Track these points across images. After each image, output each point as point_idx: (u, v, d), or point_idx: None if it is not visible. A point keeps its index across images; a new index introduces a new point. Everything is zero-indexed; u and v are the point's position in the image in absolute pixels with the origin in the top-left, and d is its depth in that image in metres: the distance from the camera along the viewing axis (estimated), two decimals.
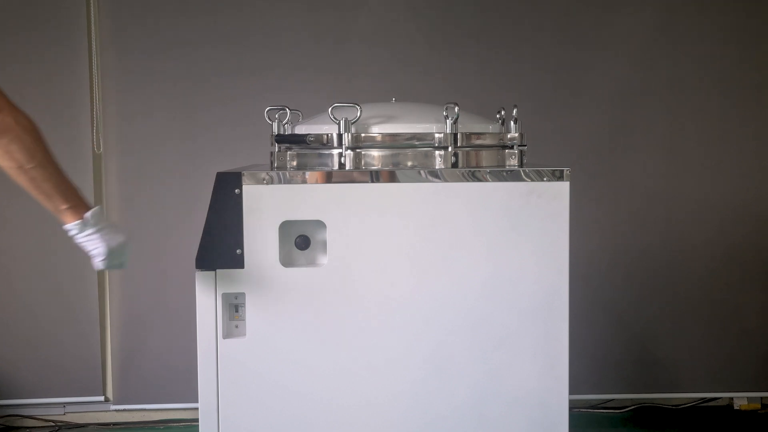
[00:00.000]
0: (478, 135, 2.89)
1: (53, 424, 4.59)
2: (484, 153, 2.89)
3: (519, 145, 2.94)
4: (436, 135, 2.83)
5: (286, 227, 2.72)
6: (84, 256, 4.53)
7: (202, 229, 2.71)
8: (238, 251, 2.70)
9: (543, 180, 2.73)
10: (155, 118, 4.49)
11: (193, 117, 4.49)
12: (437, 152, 2.83)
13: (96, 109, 4.50)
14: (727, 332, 4.66)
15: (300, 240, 2.75)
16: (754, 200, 4.62)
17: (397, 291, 2.74)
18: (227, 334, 2.74)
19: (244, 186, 2.69)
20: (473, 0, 4.53)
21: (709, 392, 4.71)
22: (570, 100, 4.55)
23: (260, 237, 2.70)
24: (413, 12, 4.52)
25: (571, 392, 2.78)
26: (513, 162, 2.92)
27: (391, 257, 2.73)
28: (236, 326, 2.76)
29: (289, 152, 2.92)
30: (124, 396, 4.59)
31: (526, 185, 2.73)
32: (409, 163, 2.83)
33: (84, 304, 4.54)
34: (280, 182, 2.71)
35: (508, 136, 2.94)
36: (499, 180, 2.74)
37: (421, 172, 2.73)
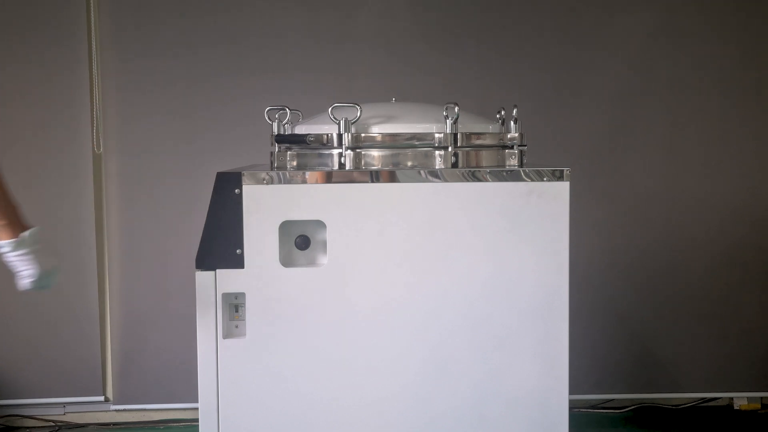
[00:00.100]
0: (478, 135, 2.89)
1: (53, 424, 4.59)
2: (484, 153, 2.89)
3: (519, 145, 2.94)
4: (436, 135, 2.83)
5: (286, 227, 2.72)
6: (84, 256, 4.56)
7: (202, 229, 2.71)
8: (238, 251, 2.70)
9: (543, 180, 2.73)
10: (155, 118, 4.49)
11: (193, 117, 4.49)
12: (437, 152, 2.83)
13: (96, 110, 4.50)
14: (727, 332, 4.66)
15: (300, 240, 2.75)
16: (754, 200, 4.62)
17: (397, 291, 2.74)
18: (227, 334, 2.74)
19: (244, 186, 2.69)
20: (473, 0, 4.53)
21: (709, 392, 4.71)
22: (570, 100, 4.55)
23: (260, 237, 2.70)
24: (413, 12, 4.52)
25: (571, 392, 2.78)
26: (513, 162, 2.92)
27: (391, 257, 2.73)
28: (236, 326, 2.76)
29: (289, 152, 2.92)
30: (124, 396, 4.59)
31: (526, 185, 2.73)
32: (409, 163, 2.83)
33: (84, 304, 4.54)
34: (280, 182, 2.71)
35: (508, 136, 2.95)
36: (499, 180, 2.74)
37: (421, 172, 2.73)
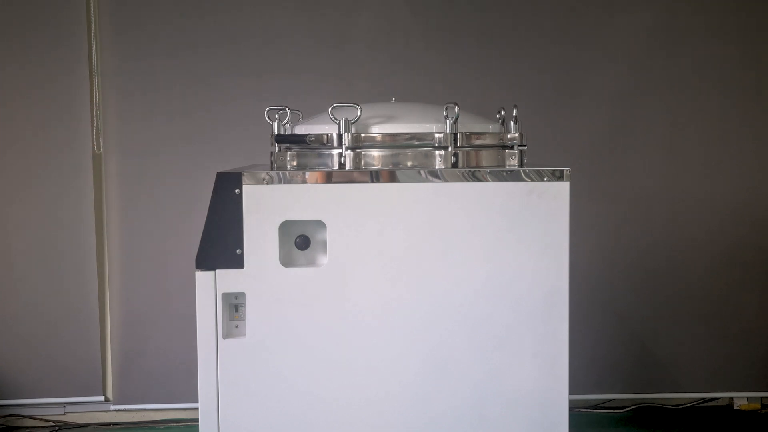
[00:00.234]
0: (478, 135, 2.89)
1: (53, 424, 4.59)
2: (484, 153, 2.89)
3: (519, 145, 2.94)
4: (436, 135, 2.83)
5: (286, 227, 2.72)
6: (84, 256, 4.56)
7: (202, 229, 2.71)
8: (238, 251, 2.70)
9: (543, 180, 2.73)
10: (155, 118, 4.49)
11: (193, 117, 4.49)
12: (437, 152, 2.83)
13: (96, 110, 4.50)
14: (727, 332, 4.66)
15: (300, 240, 2.75)
16: (754, 200, 4.62)
17: (397, 291, 2.74)
18: (227, 334, 2.74)
19: (244, 186, 2.69)
20: (473, 0, 4.53)
21: (709, 392, 4.71)
22: (570, 100, 4.55)
23: (260, 237, 2.70)
24: (413, 12, 4.52)
25: (570, 392, 2.78)
26: (513, 162, 2.92)
27: (391, 257, 2.73)
28: (236, 326, 2.76)
29: (289, 152, 2.92)
30: (124, 396, 4.59)
31: (526, 185, 2.73)
32: (409, 163, 2.83)
33: (84, 304, 4.54)
34: (280, 182, 2.71)
35: (508, 136, 2.94)
36: (499, 180, 2.74)
37: (421, 172, 2.73)
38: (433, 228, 2.73)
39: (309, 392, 2.75)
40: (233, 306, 2.76)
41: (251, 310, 2.72)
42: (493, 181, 2.74)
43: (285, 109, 2.98)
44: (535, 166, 2.86)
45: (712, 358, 4.66)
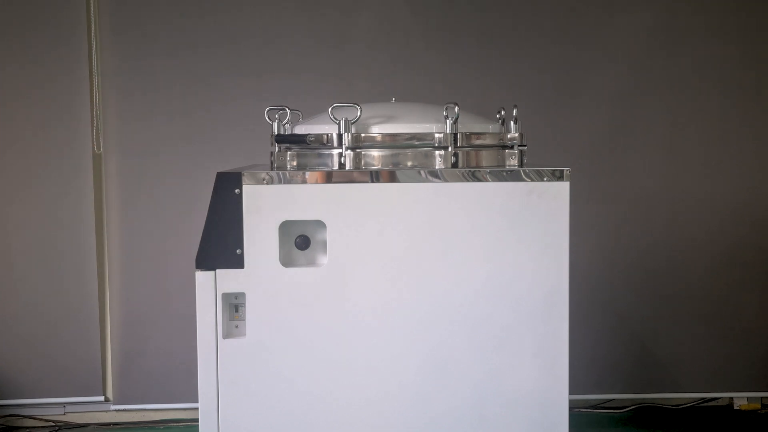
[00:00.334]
0: (478, 135, 2.89)
1: (53, 424, 4.58)
2: (484, 153, 2.89)
3: (519, 145, 2.94)
4: (436, 135, 2.83)
5: (286, 227, 2.72)
6: (84, 256, 4.56)
7: (202, 229, 2.71)
8: (238, 251, 2.70)
9: (543, 180, 2.73)
10: (155, 118, 4.49)
11: (193, 117, 4.49)
12: (437, 152, 2.83)
13: (96, 109, 4.50)
14: (727, 332, 4.66)
15: (300, 240, 2.75)
16: (754, 200, 4.62)
17: (397, 291, 2.74)
18: (227, 334, 2.74)
19: (244, 186, 2.69)
20: (473, 0, 4.53)
21: (709, 392, 4.71)
22: (570, 100, 4.55)
23: (260, 237, 2.70)
24: (413, 12, 4.52)
25: (570, 392, 2.77)
26: (513, 162, 2.92)
27: (391, 257, 2.73)
28: (236, 326, 2.76)
29: (289, 152, 2.92)
30: (124, 396, 4.59)
31: (526, 185, 2.73)
32: (409, 163, 2.83)
33: (84, 304, 4.54)
34: (280, 182, 2.71)
35: (508, 136, 2.94)
36: (499, 180, 2.74)
37: (421, 172, 2.73)
38: (433, 228, 2.73)
39: (309, 392, 2.75)
40: (233, 306, 2.76)
41: (251, 310, 2.72)
42: (493, 181, 2.74)
43: (285, 109, 2.98)
44: (535, 166, 2.86)
45: (712, 358, 4.66)
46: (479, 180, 2.73)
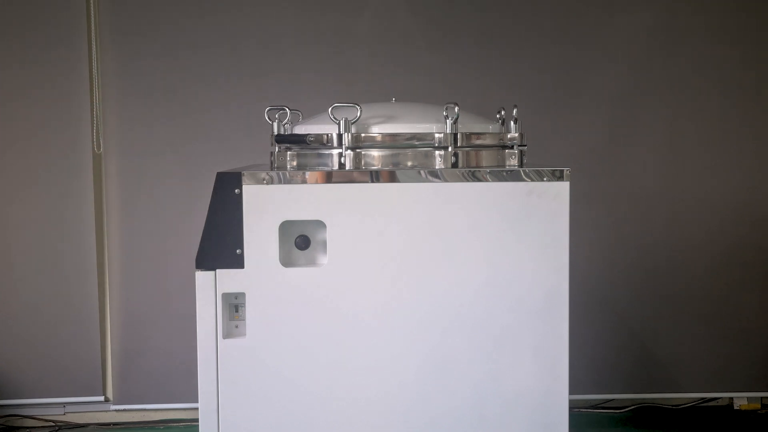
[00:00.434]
0: (478, 135, 2.89)
1: (53, 424, 4.58)
2: (484, 153, 2.89)
3: (519, 145, 2.94)
4: (436, 135, 2.83)
5: (286, 227, 2.72)
6: (84, 256, 4.56)
7: (202, 229, 2.71)
8: (238, 251, 2.70)
9: (543, 180, 2.73)
10: (156, 118, 4.49)
11: (193, 117, 4.49)
12: (437, 152, 2.83)
13: (96, 109, 4.50)
14: (728, 332, 4.66)
15: (300, 240, 2.75)
16: (754, 200, 4.62)
17: (396, 291, 2.74)
18: (227, 334, 2.74)
19: (244, 186, 2.69)
20: (473, 0, 4.53)
21: (709, 392, 4.71)
22: (570, 100, 4.55)
23: (260, 237, 2.70)
24: (413, 12, 4.52)
25: (570, 392, 2.77)
26: (513, 162, 2.92)
27: (391, 257, 2.72)
28: (236, 326, 2.76)
29: (289, 152, 2.92)
30: (124, 396, 4.59)
31: (526, 185, 2.73)
32: (409, 163, 2.83)
33: (84, 304, 4.54)
34: (280, 182, 2.71)
35: (508, 136, 2.94)
36: (499, 180, 2.74)
37: (421, 172, 2.73)
38: (433, 228, 2.73)
39: (309, 392, 2.75)
40: (233, 306, 2.76)
41: (251, 310, 2.72)
42: (493, 181, 2.74)
43: (285, 109, 2.98)
44: (535, 166, 2.86)
45: (712, 358, 4.66)
46: (479, 180, 2.73)
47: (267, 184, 2.70)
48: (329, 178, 2.73)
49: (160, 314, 4.52)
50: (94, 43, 4.47)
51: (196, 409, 2.77)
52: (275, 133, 2.95)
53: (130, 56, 4.47)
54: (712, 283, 4.64)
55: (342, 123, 2.78)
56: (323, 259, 2.75)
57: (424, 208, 2.72)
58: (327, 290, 2.73)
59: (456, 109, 2.80)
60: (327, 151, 2.84)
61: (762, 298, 4.66)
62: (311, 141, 2.84)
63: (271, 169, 2.84)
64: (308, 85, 4.44)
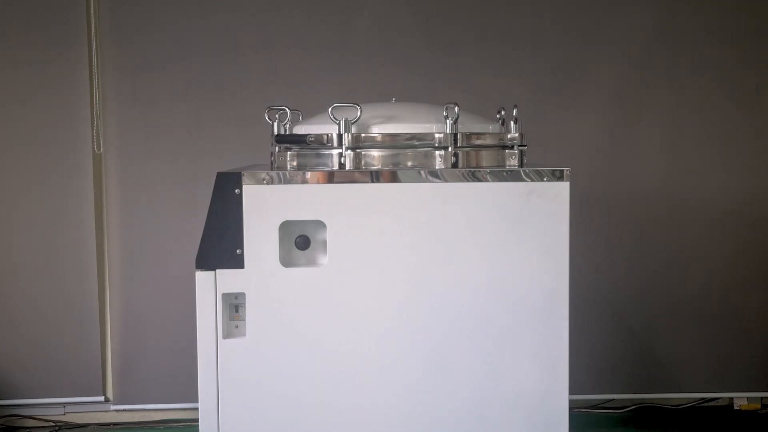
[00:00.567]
0: (478, 135, 2.89)
1: (53, 424, 4.58)
2: (484, 153, 2.89)
3: (519, 145, 2.94)
4: (437, 135, 2.83)
5: (286, 227, 2.72)
6: (84, 256, 4.56)
7: (202, 229, 2.71)
8: (238, 251, 2.70)
9: (543, 180, 2.73)
10: (156, 118, 4.48)
11: (193, 117, 4.49)
12: (437, 152, 2.83)
13: (96, 109, 4.49)
14: (728, 332, 4.66)
15: (300, 240, 2.75)
16: (754, 200, 4.62)
17: (397, 291, 2.74)
18: (227, 335, 2.74)
19: (244, 186, 2.69)
20: (473, 0, 4.53)
21: (709, 392, 4.70)
22: (570, 99, 4.54)
23: (260, 237, 2.70)
24: (413, 11, 4.51)
25: (570, 392, 2.78)
26: (513, 162, 2.92)
27: (391, 257, 2.73)
28: (236, 326, 2.76)
29: (289, 152, 2.93)
30: (124, 396, 4.59)
31: (526, 185, 2.73)
32: (409, 163, 2.83)
33: (84, 304, 4.54)
34: (280, 182, 2.71)
35: (508, 136, 2.95)
36: (499, 180, 2.74)
37: (421, 172, 2.73)
38: (433, 228, 2.73)
39: (309, 393, 2.75)
40: (233, 306, 2.76)
41: (251, 310, 2.72)
42: (493, 181, 2.74)
43: (285, 109, 2.98)
44: (535, 166, 2.86)
45: (712, 358, 4.66)
46: (479, 180, 2.74)
47: (267, 184, 2.70)
48: (329, 178, 2.73)
49: (161, 314, 4.51)
50: (94, 42, 4.47)
51: (197, 409, 2.77)
52: (275, 133, 2.95)
53: (130, 56, 4.47)
54: (712, 282, 4.64)
55: (342, 123, 2.78)
56: (323, 260, 2.75)
57: (424, 208, 2.72)
58: (327, 290, 2.73)
59: (456, 109, 2.80)
60: (327, 151, 2.84)
61: (762, 298, 4.66)
62: (311, 141, 2.84)
63: (272, 169, 2.84)
64: (308, 84, 4.44)
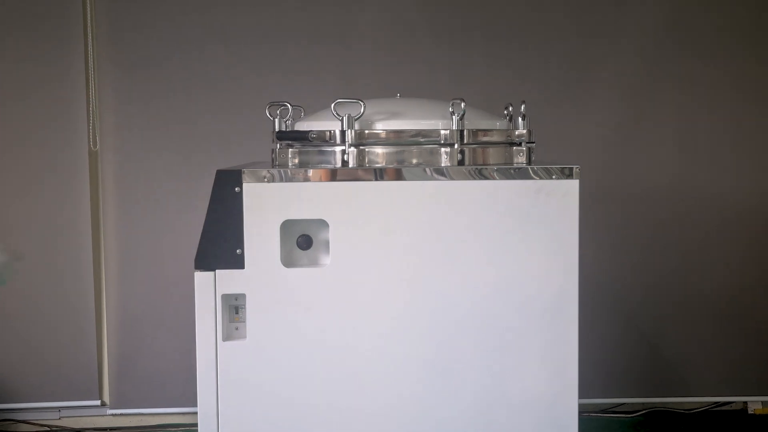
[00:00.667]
0: (485, 132, 2.89)
1: (48, 428, 4.59)
2: (491, 150, 2.89)
3: (527, 142, 2.94)
4: (442, 132, 2.83)
5: (287, 226, 2.72)
6: (80, 256, 4.56)
7: (201, 229, 2.71)
8: (238, 251, 2.70)
9: (552, 178, 2.73)
10: (153, 114, 4.48)
11: (192, 113, 4.49)
12: (443, 149, 2.83)
13: (92, 105, 4.50)
14: (741, 334, 4.65)
15: (302, 240, 2.75)
16: None
17: (401, 292, 2.74)
18: (227, 337, 2.74)
19: (244, 184, 2.69)
20: None
21: (723, 396, 4.70)
22: (579, 95, 4.54)
23: (261, 236, 2.70)
24: (418, 5, 4.51)
25: (580, 396, 2.77)
26: (521, 159, 2.92)
27: (396, 257, 2.73)
28: (236, 328, 2.76)
29: (290, 149, 2.92)
30: (121, 400, 4.59)
31: (535, 183, 2.73)
32: (414, 161, 2.83)
33: (80, 305, 4.54)
34: (281, 180, 2.71)
35: (516, 132, 2.94)
36: (507, 178, 2.74)
37: (427, 170, 2.73)
38: (438, 227, 2.73)
39: (311, 396, 2.75)
40: (233, 307, 2.76)
41: (252, 311, 2.72)
42: (501, 179, 2.74)
43: (286, 105, 2.98)
44: (544, 163, 2.86)
45: (725, 360, 4.66)
46: (486, 178, 2.73)
47: (268, 182, 2.70)
48: (332, 176, 2.73)
49: (158, 316, 4.51)
50: (90, 36, 4.47)
51: (195, 413, 2.77)
52: (276, 129, 2.95)
53: (127, 51, 4.47)
54: (725, 283, 4.64)
55: (345, 119, 2.78)
56: (326, 260, 2.75)
57: (430, 206, 2.72)
58: (329, 291, 2.73)
59: (462, 105, 2.80)
60: (330, 149, 2.84)
61: None
62: (313, 138, 2.84)
63: (273, 167, 2.84)
64: (310, 80, 4.43)
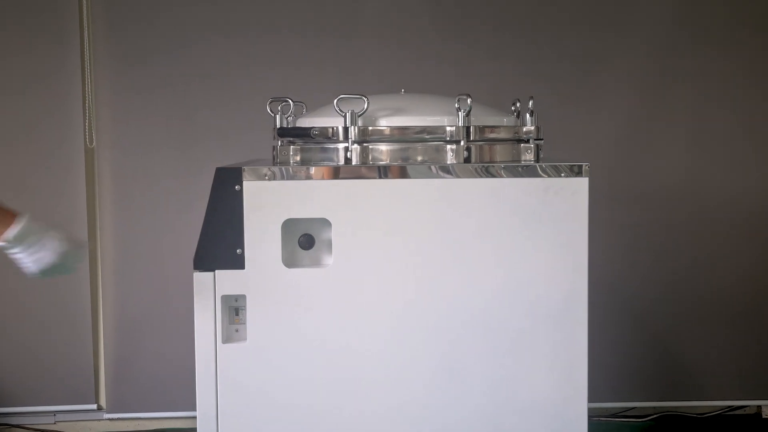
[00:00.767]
0: (492, 128, 2.89)
1: None
2: (498, 147, 2.89)
3: (535, 139, 2.94)
4: (448, 128, 2.83)
5: (289, 226, 2.72)
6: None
7: (200, 228, 2.71)
8: (238, 251, 2.70)
9: (560, 176, 2.73)
10: (151, 111, 4.49)
11: (191, 110, 4.49)
12: (449, 146, 2.83)
13: (88, 101, 4.50)
14: (755, 336, 4.65)
15: (304, 239, 2.75)
16: None
17: (405, 293, 2.74)
18: (227, 339, 2.75)
19: (244, 182, 2.70)
20: None
21: (736, 400, 4.70)
22: (589, 91, 4.54)
23: (262, 236, 2.70)
24: None
25: (589, 400, 2.77)
26: (529, 157, 2.92)
27: (400, 257, 2.73)
28: (236, 330, 2.76)
29: (292, 146, 2.93)
30: (117, 404, 4.60)
31: (543, 181, 2.73)
32: (419, 158, 2.83)
33: (76, 307, 4.55)
34: (282, 178, 2.71)
35: (524, 129, 2.94)
36: (514, 176, 2.74)
37: (432, 167, 2.73)
38: (444, 226, 2.73)
39: (312, 399, 2.75)
40: (233, 309, 2.76)
41: (252, 313, 2.72)
42: (508, 176, 2.74)
43: (288, 101, 2.98)
44: (552, 161, 2.86)
45: (739, 363, 4.65)
46: (493, 176, 2.73)
47: (269, 180, 2.70)
48: (335, 173, 2.73)
49: (156, 318, 4.52)
50: (86, 30, 4.48)
51: (194, 417, 2.78)
52: (278, 126, 2.95)
53: (124, 46, 4.47)
54: (738, 284, 4.63)
55: (348, 115, 2.78)
56: (328, 260, 2.75)
57: (435, 205, 2.73)
58: (332, 292, 2.73)
59: (468, 100, 2.80)
60: (332, 146, 2.84)
61: None
62: (316, 134, 2.84)
63: (274, 165, 2.84)
64: (312, 75, 4.44)
